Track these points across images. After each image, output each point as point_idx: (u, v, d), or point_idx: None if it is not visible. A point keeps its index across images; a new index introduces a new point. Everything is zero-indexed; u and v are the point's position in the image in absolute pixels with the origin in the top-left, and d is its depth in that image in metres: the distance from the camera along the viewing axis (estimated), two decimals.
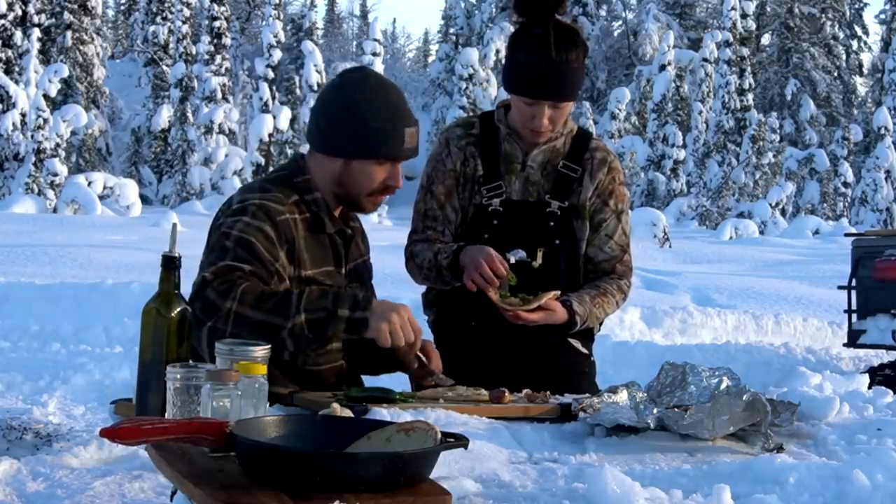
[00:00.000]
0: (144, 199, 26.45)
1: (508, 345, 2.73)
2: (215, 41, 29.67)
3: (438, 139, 2.90)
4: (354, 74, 2.48)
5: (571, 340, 2.82)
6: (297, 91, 31.42)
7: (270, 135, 27.56)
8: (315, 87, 28.50)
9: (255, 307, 2.12)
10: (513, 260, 2.66)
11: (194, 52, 29.39)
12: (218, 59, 29.65)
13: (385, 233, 15.62)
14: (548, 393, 2.33)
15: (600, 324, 2.86)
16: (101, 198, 22.26)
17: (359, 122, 2.38)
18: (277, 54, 28.60)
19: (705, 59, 31.95)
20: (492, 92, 30.19)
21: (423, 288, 2.93)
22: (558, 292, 2.63)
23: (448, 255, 2.67)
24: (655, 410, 2.06)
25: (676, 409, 2.02)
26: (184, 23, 29.37)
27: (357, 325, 2.13)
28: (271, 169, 2.65)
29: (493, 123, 2.84)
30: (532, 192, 2.78)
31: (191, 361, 1.91)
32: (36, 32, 27.14)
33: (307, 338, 2.13)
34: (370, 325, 2.14)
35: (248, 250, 2.24)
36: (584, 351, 2.86)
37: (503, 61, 2.85)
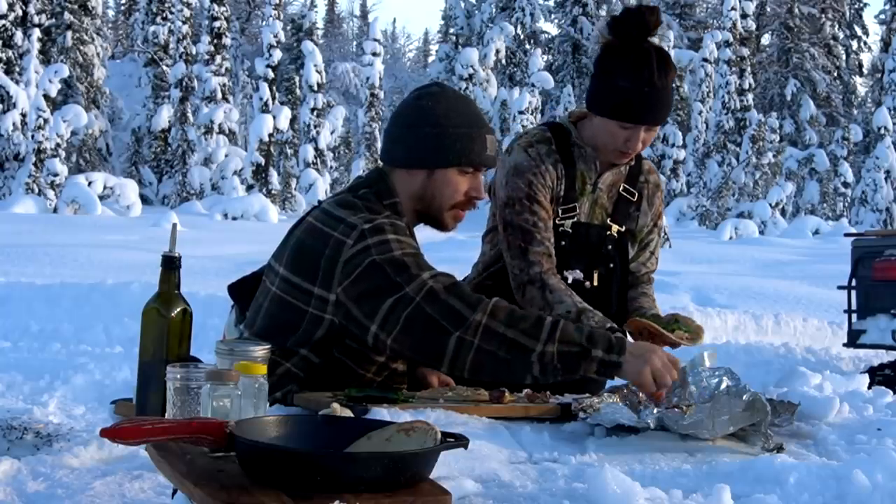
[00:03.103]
0: (144, 199, 26.45)
1: None
2: (215, 41, 29.66)
3: (525, 152, 2.75)
4: (431, 88, 2.46)
5: None
6: (297, 91, 31.40)
7: (270, 135, 27.54)
8: (315, 87, 28.50)
9: (507, 324, 2.05)
10: (570, 279, 2.66)
11: (194, 52, 29.38)
12: (218, 59, 29.64)
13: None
14: (548, 393, 2.33)
15: None
16: (102, 198, 22.26)
17: (441, 129, 2.34)
18: (277, 54, 28.59)
19: (705, 59, 31.95)
20: (492, 92, 30.19)
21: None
22: (694, 321, 2.60)
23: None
24: (655, 410, 2.06)
25: (676, 409, 2.02)
26: (184, 23, 29.36)
27: (609, 368, 2.05)
28: (351, 182, 2.52)
29: (568, 140, 2.78)
30: (598, 215, 2.79)
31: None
32: (36, 32, 27.13)
33: (555, 367, 2.05)
34: (624, 368, 2.05)
35: (424, 260, 2.19)
36: None
37: (593, 82, 2.72)
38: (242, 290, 2.52)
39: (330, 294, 2.21)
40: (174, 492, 1.73)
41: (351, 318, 2.19)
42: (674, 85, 2.69)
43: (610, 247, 2.78)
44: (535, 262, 2.66)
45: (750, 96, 32.38)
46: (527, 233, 2.68)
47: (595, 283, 2.73)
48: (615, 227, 2.79)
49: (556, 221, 2.74)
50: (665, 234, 20.02)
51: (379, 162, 2.53)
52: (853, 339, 7.42)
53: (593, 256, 2.76)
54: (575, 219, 2.75)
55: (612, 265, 2.78)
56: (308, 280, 2.24)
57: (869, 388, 2.73)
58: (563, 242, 2.74)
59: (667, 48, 32.27)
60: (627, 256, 2.82)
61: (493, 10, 33.56)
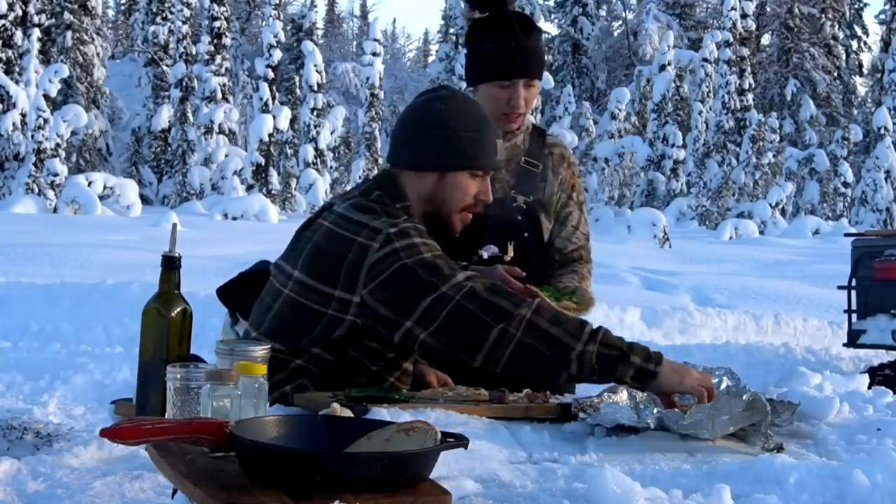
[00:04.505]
0: (144, 199, 26.46)
1: None
2: (215, 41, 29.67)
3: None
4: (440, 92, 2.46)
5: None
6: (297, 91, 31.43)
7: (270, 135, 27.55)
8: (315, 87, 28.51)
9: (551, 322, 2.08)
10: (486, 255, 2.69)
11: (194, 52, 29.39)
12: (218, 59, 29.65)
13: None
14: (548, 393, 2.33)
15: None
16: (101, 198, 22.27)
17: (452, 132, 2.36)
18: (277, 54, 28.59)
19: (705, 59, 31.96)
20: None
21: None
22: (584, 288, 2.69)
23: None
24: (655, 410, 2.06)
25: (676, 409, 2.02)
26: (184, 23, 29.38)
27: (645, 376, 2.07)
28: (360, 185, 2.55)
29: None
30: (498, 189, 2.78)
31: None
32: (36, 32, 27.14)
33: (592, 367, 2.07)
34: (659, 379, 2.07)
35: (452, 264, 2.20)
36: None
37: (466, 57, 2.89)
38: (232, 294, 2.52)
39: (354, 296, 2.20)
40: (174, 492, 1.73)
41: (379, 319, 2.19)
42: (541, 42, 2.84)
43: (520, 217, 2.81)
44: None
45: (750, 96, 32.39)
46: None
47: (511, 255, 2.75)
48: (521, 198, 2.83)
49: None
50: (665, 234, 20.02)
51: (379, 162, 2.54)
52: (853, 339, 7.43)
53: (503, 229, 2.78)
54: None
55: (526, 235, 2.81)
56: (328, 284, 2.23)
57: (869, 388, 2.73)
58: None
59: (667, 48, 32.24)
60: (540, 226, 2.85)
61: None
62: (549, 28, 41.55)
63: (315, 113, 28.35)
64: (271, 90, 28.23)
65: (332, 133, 28.97)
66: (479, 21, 2.79)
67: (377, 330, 2.22)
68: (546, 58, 2.89)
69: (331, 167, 29.92)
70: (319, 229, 2.30)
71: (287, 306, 2.29)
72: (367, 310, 2.20)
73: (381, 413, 1.94)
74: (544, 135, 2.95)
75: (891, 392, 2.52)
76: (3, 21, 27.44)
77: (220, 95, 29.39)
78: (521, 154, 2.87)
